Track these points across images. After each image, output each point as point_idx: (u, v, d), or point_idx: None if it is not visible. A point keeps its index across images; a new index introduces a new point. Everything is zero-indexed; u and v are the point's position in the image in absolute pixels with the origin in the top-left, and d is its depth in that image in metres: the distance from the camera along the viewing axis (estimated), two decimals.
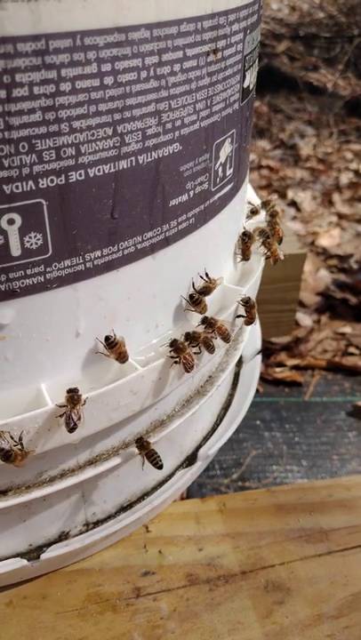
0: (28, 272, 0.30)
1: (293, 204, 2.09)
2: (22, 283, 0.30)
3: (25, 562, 0.40)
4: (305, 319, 1.45)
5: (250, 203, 0.53)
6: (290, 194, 2.14)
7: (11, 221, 0.28)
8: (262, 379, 1.24)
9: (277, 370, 1.28)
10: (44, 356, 0.34)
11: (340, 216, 2.01)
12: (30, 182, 0.28)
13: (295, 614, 0.43)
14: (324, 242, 1.82)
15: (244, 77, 0.38)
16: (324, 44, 3.51)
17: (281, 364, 1.30)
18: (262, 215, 0.53)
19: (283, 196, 2.14)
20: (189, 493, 0.82)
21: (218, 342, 0.41)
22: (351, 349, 1.36)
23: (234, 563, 0.46)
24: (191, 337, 0.39)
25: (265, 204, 0.53)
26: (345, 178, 2.30)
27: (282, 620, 0.42)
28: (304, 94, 3.08)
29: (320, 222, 1.96)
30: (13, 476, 0.37)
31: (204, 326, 0.40)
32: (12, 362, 0.33)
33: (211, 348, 0.40)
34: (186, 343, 0.38)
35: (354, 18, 3.49)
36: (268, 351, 1.31)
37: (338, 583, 0.45)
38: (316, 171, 2.37)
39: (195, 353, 0.39)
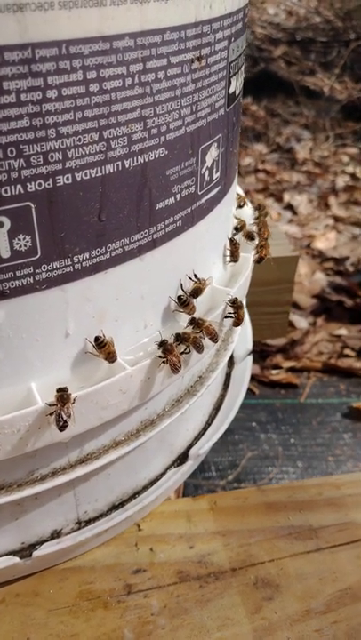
0: (18, 273, 0.31)
1: (290, 207, 2.10)
2: (12, 284, 0.31)
3: (17, 559, 0.41)
4: (301, 321, 1.46)
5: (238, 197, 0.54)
6: (286, 197, 2.15)
7: (0, 224, 0.29)
8: (258, 381, 1.25)
9: (273, 372, 1.29)
10: (34, 355, 0.35)
11: (336, 219, 2.02)
12: (19, 186, 0.29)
13: (284, 610, 0.43)
14: (320, 245, 1.83)
15: (229, 84, 0.39)
16: (321, 48, 3.54)
17: (277, 366, 1.31)
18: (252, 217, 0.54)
19: (279, 199, 2.15)
20: (185, 494, 0.83)
21: (206, 342, 0.42)
22: (347, 351, 1.37)
23: (224, 560, 0.47)
24: (181, 338, 0.40)
25: (258, 208, 0.55)
26: (341, 181, 2.31)
27: (271, 615, 0.43)
28: (301, 98, 3.09)
29: (316, 225, 1.97)
30: (5, 474, 0.38)
31: (192, 327, 0.41)
32: (2, 361, 0.34)
33: (200, 349, 0.41)
34: (175, 344, 0.39)
35: (350, 22, 3.51)
36: (264, 353, 1.32)
37: (326, 579, 0.45)
38: (313, 174, 2.38)
39: (184, 353, 0.40)
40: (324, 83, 3.32)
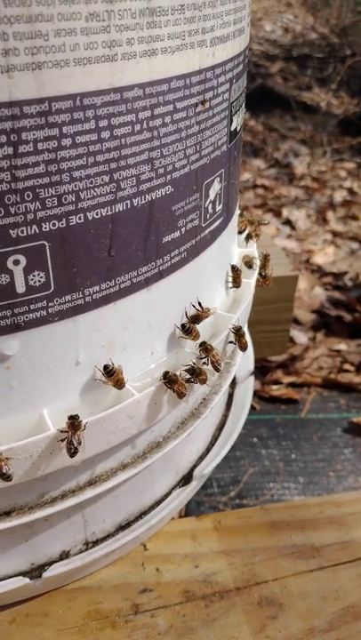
0: (32, 307, 0.33)
1: (288, 222, 2.13)
2: (26, 317, 0.33)
3: (27, 580, 0.42)
4: (300, 337, 1.47)
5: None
6: (285, 212, 2.18)
7: (16, 262, 0.31)
8: (259, 396, 1.26)
9: (274, 387, 1.30)
10: (46, 383, 0.36)
11: (335, 234, 2.05)
12: (34, 226, 0.30)
13: (288, 628, 0.44)
14: (318, 259, 1.85)
15: (231, 122, 0.41)
16: (317, 64, 3.60)
17: (277, 382, 1.32)
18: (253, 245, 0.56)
19: (278, 214, 2.18)
20: (188, 511, 0.83)
21: (209, 370, 0.43)
22: (346, 366, 1.38)
23: (229, 579, 0.48)
24: (194, 371, 0.41)
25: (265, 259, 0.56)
26: (339, 196, 2.34)
27: (275, 634, 0.44)
28: (298, 113, 3.14)
29: (315, 240, 2.00)
30: (17, 497, 0.39)
31: (200, 349, 0.42)
32: (16, 390, 0.35)
33: (204, 382, 0.42)
34: (178, 373, 0.40)
35: (346, 38, 3.57)
36: (264, 369, 1.33)
37: (329, 598, 0.47)
38: (311, 189, 2.41)
39: (189, 381, 0.41)
40: (320, 98, 3.37)
